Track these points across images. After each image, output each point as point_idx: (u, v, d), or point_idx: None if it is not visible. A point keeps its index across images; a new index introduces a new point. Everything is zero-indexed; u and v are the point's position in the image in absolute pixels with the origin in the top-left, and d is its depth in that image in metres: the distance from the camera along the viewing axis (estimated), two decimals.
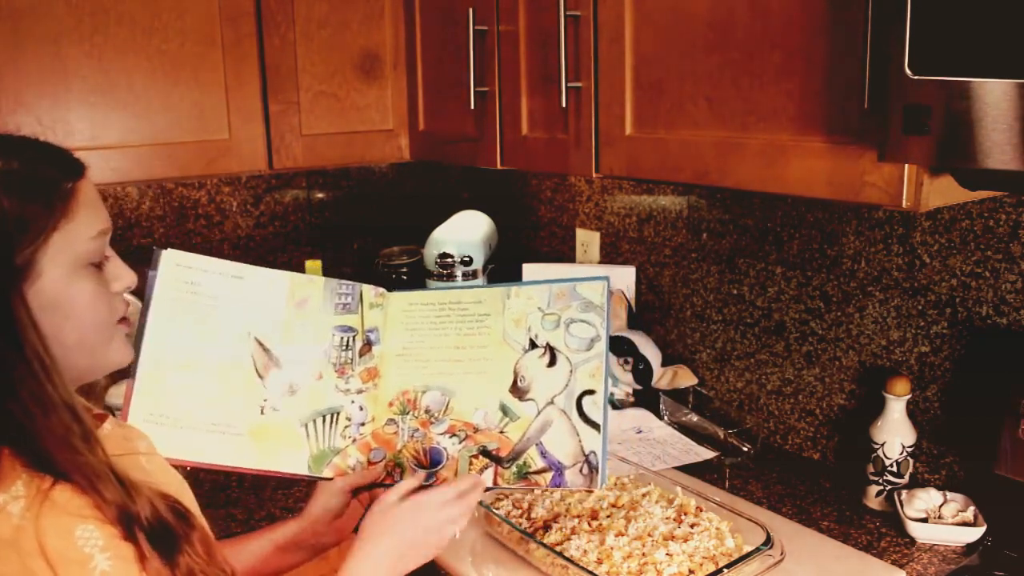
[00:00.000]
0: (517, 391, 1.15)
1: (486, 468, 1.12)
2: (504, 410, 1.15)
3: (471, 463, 1.13)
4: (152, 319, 1.10)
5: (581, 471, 1.09)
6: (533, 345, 1.16)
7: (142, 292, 1.11)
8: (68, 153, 0.87)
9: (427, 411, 1.18)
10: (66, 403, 0.79)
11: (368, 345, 1.21)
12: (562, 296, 1.18)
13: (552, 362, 1.15)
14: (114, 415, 0.97)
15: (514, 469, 1.11)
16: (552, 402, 1.13)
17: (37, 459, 0.76)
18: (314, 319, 1.19)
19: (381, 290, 1.24)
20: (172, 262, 1.12)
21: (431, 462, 1.15)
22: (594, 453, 1.09)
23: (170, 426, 1.09)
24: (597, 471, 1.09)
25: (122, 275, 0.90)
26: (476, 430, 1.15)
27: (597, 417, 1.11)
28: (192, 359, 1.12)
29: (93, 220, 0.85)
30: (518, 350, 1.17)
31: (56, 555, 0.72)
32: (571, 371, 1.14)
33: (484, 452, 1.13)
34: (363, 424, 1.19)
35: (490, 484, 1.11)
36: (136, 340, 1.08)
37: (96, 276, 0.86)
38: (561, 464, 1.10)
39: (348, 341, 1.21)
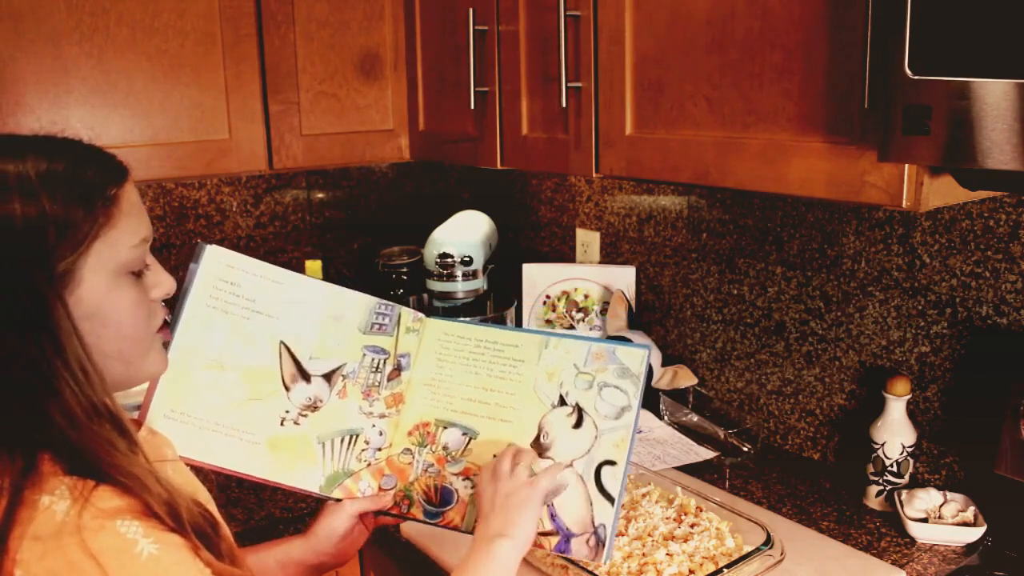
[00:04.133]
0: (539, 446, 1.11)
1: None
2: None
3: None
4: (187, 313, 1.08)
5: (588, 542, 1.06)
6: (562, 402, 1.12)
7: (180, 285, 1.10)
8: (113, 156, 0.85)
9: (445, 448, 1.15)
10: (109, 411, 0.79)
11: (398, 370, 1.18)
12: (600, 357, 1.13)
13: (579, 424, 1.11)
14: None
15: None
16: (571, 465, 1.09)
17: (79, 465, 0.76)
18: (348, 336, 1.16)
19: (420, 315, 1.21)
20: (215, 259, 1.10)
21: (440, 501, 1.13)
22: (603, 526, 1.05)
23: (189, 424, 1.07)
24: (604, 545, 1.05)
25: (162, 282, 0.88)
26: None
27: (614, 490, 1.07)
28: (221, 359, 1.10)
29: (135, 228, 0.83)
30: (547, 404, 1.13)
31: (99, 547, 0.72)
32: (596, 436, 1.09)
33: None
34: (380, 449, 1.16)
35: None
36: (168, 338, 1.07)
37: (136, 284, 0.84)
38: (569, 531, 1.06)
39: (379, 363, 1.17)
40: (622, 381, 1.12)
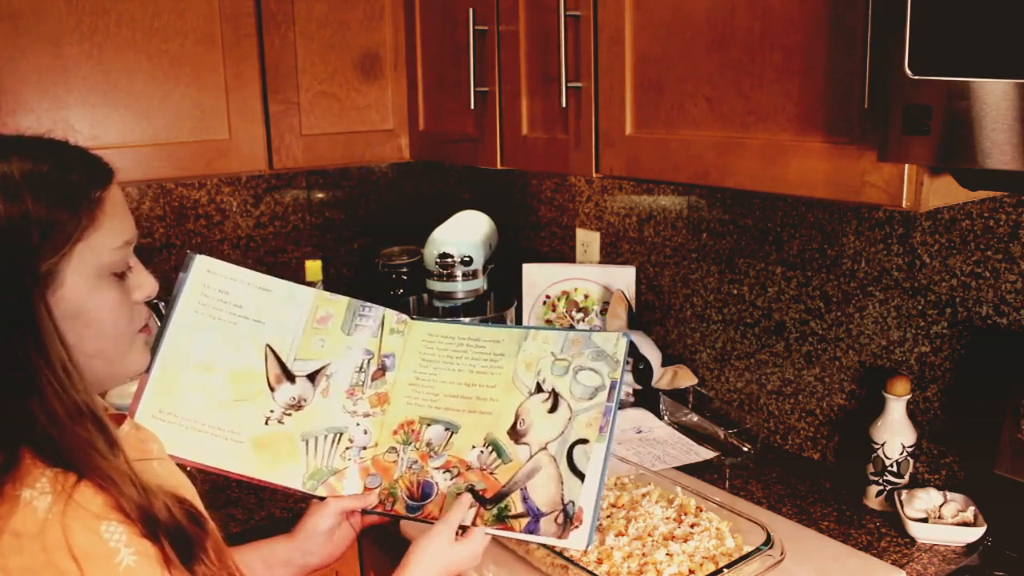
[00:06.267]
0: (515, 434, 1.12)
1: (470, 507, 1.10)
2: (498, 451, 1.12)
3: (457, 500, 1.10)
4: (175, 319, 1.12)
5: (556, 520, 1.06)
6: (539, 389, 1.14)
7: (169, 292, 1.13)
8: (98, 159, 0.86)
9: (428, 444, 1.16)
10: (91, 410, 0.79)
11: (382, 370, 1.21)
12: (576, 343, 1.15)
13: (553, 408, 1.12)
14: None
15: (495, 511, 1.08)
16: (545, 448, 1.10)
17: (59, 460, 0.76)
18: (332, 337, 1.19)
19: (404, 317, 1.24)
20: (203, 267, 1.15)
21: (421, 495, 1.14)
22: (572, 503, 1.05)
23: (177, 425, 1.10)
24: (572, 523, 1.05)
25: (144, 284, 0.89)
26: (468, 468, 1.13)
27: (584, 467, 1.07)
28: (208, 362, 1.13)
29: (119, 230, 0.84)
30: (524, 393, 1.14)
31: (82, 550, 0.73)
32: (570, 418, 1.11)
33: (471, 491, 1.10)
34: (364, 448, 1.17)
35: (469, 523, 1.08)
36: (156, 337, 1.09)
37: (118, 286, 0.85)
38: (539, 511, 1.07)
39: (363, 364, 1.20)
40: (597, 363, 1.13)
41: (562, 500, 1.06)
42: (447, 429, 1.16)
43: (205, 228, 2.09)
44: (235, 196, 2.12)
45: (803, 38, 1.11)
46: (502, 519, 1.08)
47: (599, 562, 1.20)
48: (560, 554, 1.19)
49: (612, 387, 1.11)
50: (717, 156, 1.23)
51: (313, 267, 2.04)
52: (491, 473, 1.11)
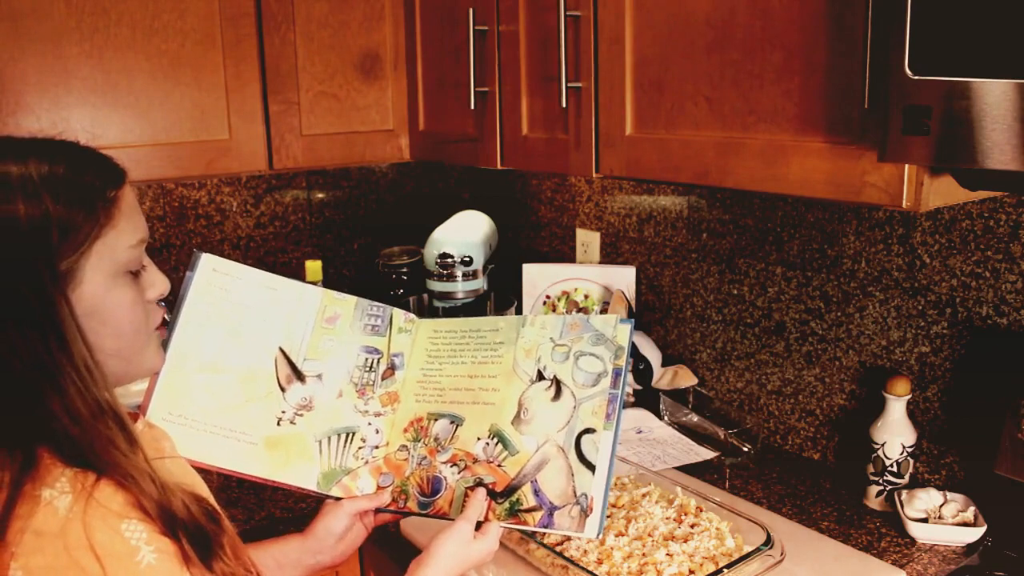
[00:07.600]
0: (519, 423, 1.11)
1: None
2: (504, 442, 1.11)
3: (466, 494, 1.09)
4: (183, 319, 1.12)
5: (570, 513, 1.05)
6: (541, 377, 1.13)
7: (176, 292, 1.12)
8: (110, 159, 0.87)
9: (436, 439, 1.16)
10: (112, 408, 0.81)
11: (391, 369, 1.21)
12: (575, 327, 1.14)
13: (557, 396, 1.11)
14: None
15: (507, 505, 1.08)
16: (552, 438, 1.09)
17: (78, 459, 0.77)
18: (342, 337, 1.19)
19: (411, 316, 1.24)
20: (209, 267, 1.14)
21: (432, 491, 1.14)
22: (585, 495, 1.05)
23: (187, 426, 1.10)
24: (587, 514, 1.04)
25: (157, 282, 0.91)
26: (475, 460, 1.12)
27: (594, 458, 1.06)
28: (217, 363, 1.13)
29: (133, 229, 0.86)
30: (525, 381, 1.14)
31: (103, 548, 0.74)
32: (574, 407, 1.10)
33: (480, 484, 1.10)
34: (377, 447, 1.18)
35: (482, 519, 1.08)
36: (165, 338, 1.09)
37: (133, 284, 0.87)
38: (552, 504, 1.06)
39: (372, 363, 1.20)
40: (597, 348, 1.12)
41: (574, 493, 1.06)
42: (452, 422, 1.16)
43: (205, 228, 2.09)
44: (235, 196, 2.12)
45: (803, 38, 1.11)
46: (514, 513, 1.07)
47: (599, 562, 1.20)
48: (560, 554, 1.20)
49: (616, 374, 1.10)
50: (717, 156, 1.23)
51: (313, 267, 2.04)
52: (499, 465, 1.11)
